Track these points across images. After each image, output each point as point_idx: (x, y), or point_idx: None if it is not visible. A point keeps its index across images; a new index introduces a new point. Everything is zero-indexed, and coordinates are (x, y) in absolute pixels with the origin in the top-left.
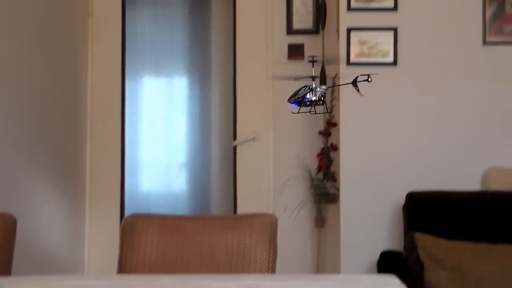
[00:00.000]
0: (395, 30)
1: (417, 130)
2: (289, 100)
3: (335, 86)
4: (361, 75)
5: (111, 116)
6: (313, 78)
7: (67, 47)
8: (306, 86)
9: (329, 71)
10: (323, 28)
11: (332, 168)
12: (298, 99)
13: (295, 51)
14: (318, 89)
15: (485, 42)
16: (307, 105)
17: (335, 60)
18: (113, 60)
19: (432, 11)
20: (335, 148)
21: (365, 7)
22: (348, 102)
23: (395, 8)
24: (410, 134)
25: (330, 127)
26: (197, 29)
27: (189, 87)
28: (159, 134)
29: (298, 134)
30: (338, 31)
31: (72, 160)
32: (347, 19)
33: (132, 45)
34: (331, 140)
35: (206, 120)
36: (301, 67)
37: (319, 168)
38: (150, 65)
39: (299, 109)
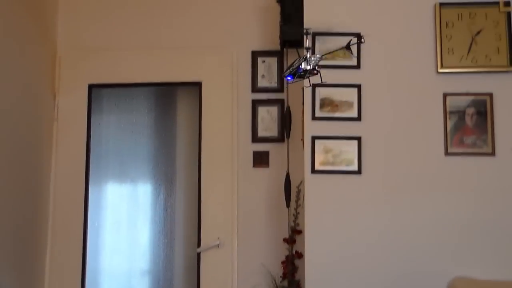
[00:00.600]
0: (359, 139)
1: (381, 240)
2: (283, 74)
3: (330, 53)
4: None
5: (73, 223)
6: (307, 49)
7: (31, 153)
8: (301, 57)
9: (294, 179)
10: (288, 136)
11: (297, 276)
12: (293, 71)
13: (260, 159)
14: (312, 58)
15: (447, 153)
16: (301, 76)
17: (300, 168)
18: (77, 166)
19: (396, 122)
20: (300, 255)
21: (330, 116)
22: (314, 210)
23: (359, 118)
24: (374, 243)
25: (295, 234)
26: (163, 135)
27: (153, 193)
28: (122, 241)
29: (263, 241)
30: (303, 139)
31: (31, 266)
32: (311, 128)
33: (96, 151)
34: (296, 247)
35: (170, 226)
36: (267, 175)
37: (284, 276)
38: (115, 171)
39: (294, 80)
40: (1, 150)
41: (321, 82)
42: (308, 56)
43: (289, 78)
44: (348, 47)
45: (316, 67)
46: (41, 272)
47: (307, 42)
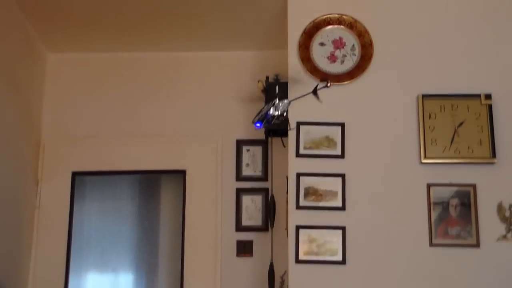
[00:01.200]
0: (343, 228)
1: None
2: (253, 121)
3: (297, 98)
4: (320, 82)
5: None
6: (277, 95)
7: (10, 241)
8: (269, 103)
9: (278, 269)
10: (272, 225)
11: None
12: (262, 117)
13: (244, 248)
14: (280, 104)
15: (431, 244)
16: (269, 122)
17: (284, 257)
18: (57, 255)
19: (381, 212)
20: None
21: (314, 205)
22: None
23: (343, 207)
24: None
25: None
26: (146, 223)
27: (135, 283)
28: None
29: None
30: (287, 228)
31: None
32: (296, 217)
33: (78, 239)
34: None
35: None
36: (250, 264)
37: None
38: (96, 260)
39: (262, 127)
40: None
41: (289, 129)
42: (277, 102)
43: (258, 124)
44: (315, 92)
45: (284, 113)
46: None
47: (276, 89)
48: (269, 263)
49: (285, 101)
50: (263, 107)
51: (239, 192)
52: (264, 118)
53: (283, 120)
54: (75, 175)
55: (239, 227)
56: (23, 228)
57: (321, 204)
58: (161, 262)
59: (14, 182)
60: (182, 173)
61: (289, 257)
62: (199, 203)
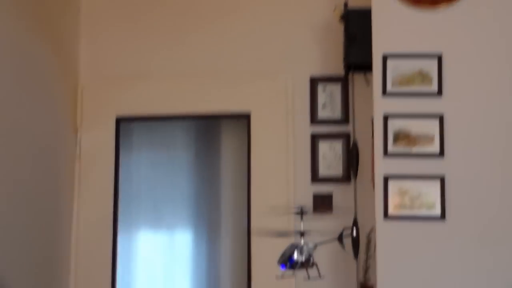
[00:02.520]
0: (442, 178)
1: None
2: (278, 262)
3: (324, 242)
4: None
5: (99, 279)
6: (301, 234)
7: (50, 196)
8: (293, 244)
9: (364, 226)
10: (355, 176)
11: None
12: (285, 260)
13: (322, 203)
14: (305, 247)
15: None
16: (294, 267)
17: (370, 214)
18: (103, 212)
19: (487, 158)
20: None
21: (406, 152)
22: (388, 262)
23: (441, 153)
24: None
25: None
26: (205, 175)
27: (194, 243)
28: None
29: None
30: (373, 179)
31: None
32: (384, 166)
33: (126, 194)
34: None
35: (214, 282)
36: (329, 222)
37: None
38: (148, 217)
39: (284, 273)
40: (16, 195)
41: (319, 276)
42: (301, 244)
43: (282, 268)
44: (340, 239)
45: (311, 258)
46: None
47: (302, 225)
48: (352, 220)
49: (310, 244)
50: (286, 249)
51: (315, 138)
52: (287, 262)
53: (311, 266)
54: (119, 121)
55: (316, 179)
56: (62, 182)
57: (414, 150)
58: (224, 219)
59: (50, 130)
60: (246, 117)
61: (377, 213)
62: (267, 151)
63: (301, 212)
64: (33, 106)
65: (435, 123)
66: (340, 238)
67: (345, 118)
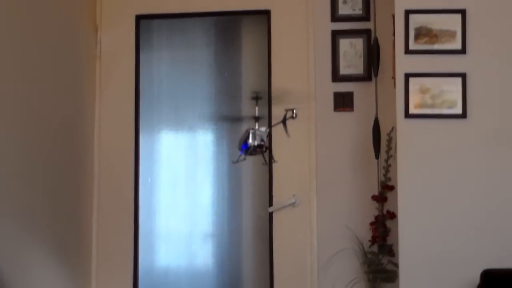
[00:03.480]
0: (463, 75)
1: (493, 195)
2: (238, 148)
3: (275, 125)
4: (286, 110)
5: (122, 178)
6: (256, 119)
7: (70, 97)
8: (247, 129)
9: (384, 125)
10: (376, 74)
11: (389, 240)
12: (239, 147)
13: (343, 101)
14: (257, 132)
15: None
16: (249, 152)
17: (391, 112)
18: (124, 111)
19: (505, 57)
20: (392, 216)
21: (427, 49)
22: (408, 161)
23: (463, 50)
24: (484, 200)
25: (385, 191)
26: (225, 74)
27: (215, 143)
28: (180, 199)
29: (347, 199)
30: (394, 77)
31: (77, 231)
32: (405, 63)
33: (147, 94)
34: (387, 206)
35: (236, 182)
36: (351, 120)
37: (373, 240)
38: (169, 117)
39: (239, 158)
40: (36, 95)
41: (273, 160)
42: (256, 128)
43: (240, 153)
44: (284, 122)
45: (264, 143)
46: (88, 236)
47: (256, 110)
48: (373, 119)
49: (263, 128)
50: (242, 135)
51: (336, 35)
52: (241, 149)
53: (264, 151)
54: (139, 18)
55: (337, 77)
56: (83, 82)
57: (436, 46)
58: (245, 120)
59: (69, 29)
60: (266, 14)
61: (398, 111)
62: (287, 49)
63: (256, 98)
64: (51, 3)
65: (458, 18)
66: (284, 121)
67: (366, 14)
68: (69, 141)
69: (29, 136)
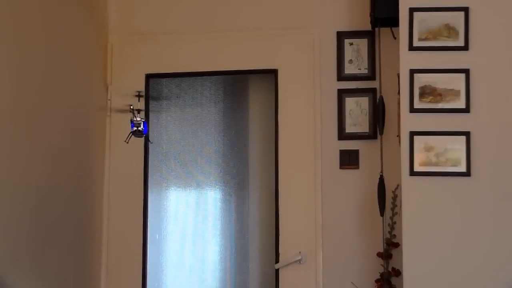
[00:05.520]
0: (467, 134)
1: (497, 252)
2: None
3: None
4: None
5: (131, 234)
6: (138, 111)
7: (82, 152)
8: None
9: (389, 183)
10: (381, 132)
11: None
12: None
13: (349, 159)
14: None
15: None
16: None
17: (396, 170)
18: (134, 168)
19: (509, 115)
20: (397, 273)
21: (431, 107)
22: (413, 219)
23: (467, 109)
24: (485, 257)
25: (390, 248)
26: (233, 132)
27: (223, 199)
28: (187, 256)
29: (353, 256)
30: (399, 135)
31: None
32: (410, 122)
33: (156, 150)
34: (393, 263)
35: (243, 239)
36: (356, 177)
37: None
38: (177, 173)
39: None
40: (51, 149)
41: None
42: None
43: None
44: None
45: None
46: None
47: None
48: (378, 176)
49: (139, 118)
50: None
51: (342, 94)
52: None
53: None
54: (149, 77)
55: (342, 135)
56: (94, 138)
57: (440, 105)
58: (252, 176)
59: (81, 87)
60: (273, 73)
61: (402, 169)
62: (294, 107)
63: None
64: (65, 62)
65: (461, 78)
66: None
67: (372, 73)
68: (79, 196)
69: (42, 192)
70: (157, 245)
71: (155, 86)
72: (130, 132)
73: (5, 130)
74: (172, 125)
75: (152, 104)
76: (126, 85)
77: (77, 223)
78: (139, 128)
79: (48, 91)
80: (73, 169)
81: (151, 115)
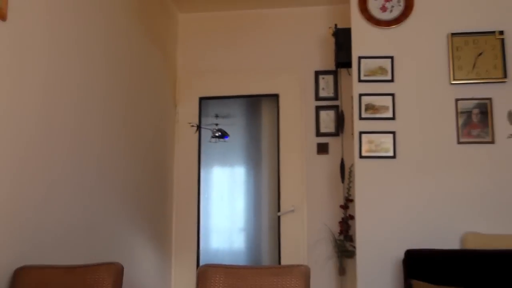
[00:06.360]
0: (394, 133)
1: (412, 205)
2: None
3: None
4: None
5: (190, 195)
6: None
7: (160, 146)
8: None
9: (347, 163)
10: (342, 132)
11: (350, 232)
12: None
13: (322, 148)
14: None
15: (459, 142)
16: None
17: (351, 155)
18: (192, 155)
19: (421, 120)
20: (352, 217)
21: (372, 117)
22: (361, 184)
23: (393, 118)
24: (407, 208)
25: (348, 202)
26: (252, 133)
27: (246, 173)
28: (224, 207)
29: (325, 207)
30: (353, 134)
31: (163, 225)
32: (359, 125)
33: (205, 144)
34: (349, 211)
35: (258, 197)
36: (327, 160)
37: (341, 232)
38: (219, 158)
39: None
40: (140, 146)
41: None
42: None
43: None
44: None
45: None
46: (169, 229)
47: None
48: (340, 159)
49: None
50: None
51: (318, 109)
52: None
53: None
54: (201, 99)
55: (318, 133)
56: (168, 137)
57: (377, 115)
58: (263, 159)
59: (161, 105)
60: (276, 96)
61: (355, 154)
62: (289, 117)
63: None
64: (150, 91)
65: (390, 99)
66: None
67: (336, 96)
68: (159, 172)
69: (138, 172)
70: (206, 200)
71: (205, 104)
72: (213, 137)
73: (119, 138)
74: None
75: (203, 115)
76: (187, 104)
77: (158, 189)
78: (217, 134)
79: (141, 109)
80: (156, 158)
81: (202, 122)
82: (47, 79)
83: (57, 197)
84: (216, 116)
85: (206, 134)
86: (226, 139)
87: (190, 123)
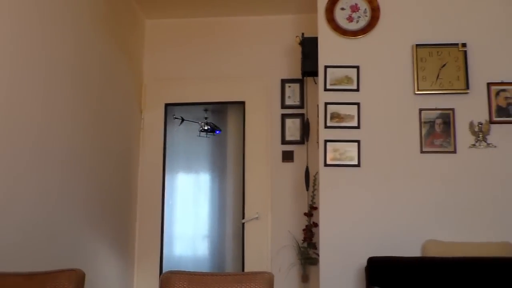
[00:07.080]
0: (358, 142)
1: (375, 213)
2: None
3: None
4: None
5: (154, 201)
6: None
7: (125, 152)
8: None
9: (312, 171)
10: (307, 140)
11: (314, 240)
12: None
13: (287, 156)
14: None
15: (422, 151)
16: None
17: (316, 162)
18: (157, 161)
19: (385, 129)
20: (316, 225)
21: (337, 125)
22: (326, 192)
23: (358, 126)
24: (369, 215)
25: (312, 209)
26: (218, 138)
27: (211, 180)
28: (189, 214)
29: (289, 214)
30: (318, 142)
31: (126, 231)
32: (324, 134)
33: (170, 150)
34: (313, 219)
35: (223, 204)
36: (292, 167)
37: (304, 239)
38: (183, 164)
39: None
40: (105, 152)
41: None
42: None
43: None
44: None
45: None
46: (132, 236)
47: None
48: (305, 167)
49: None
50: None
51: (284, 116)
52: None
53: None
54: (167, 106)
55: (284, 141)
56: (133, 143)
57: (342, 124)
58: (229, 166)
59: (127, 111)
60: (242, 104)
61: (320, 162)
62: (255, 124)
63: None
64: (116, 97)
65: (355, 108)
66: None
67: (302, 104)
68: (123, 179)
69: (102, 178)
70: (170, 207)
71: (171, 110)
72: (201, 131)
73: (84, 144)
74: (181, 134)
75: (168, 121)
76: (153, 110)
77: (122, 192)
78: (206, 128)
79: (106, 115)
80: (120, 164)
81: (167, 128)
82: (9, 85)
83: (18, 202)
84: (178, 117)
85: (171, 139)
86: (217, 133)
87: (173, 115)
